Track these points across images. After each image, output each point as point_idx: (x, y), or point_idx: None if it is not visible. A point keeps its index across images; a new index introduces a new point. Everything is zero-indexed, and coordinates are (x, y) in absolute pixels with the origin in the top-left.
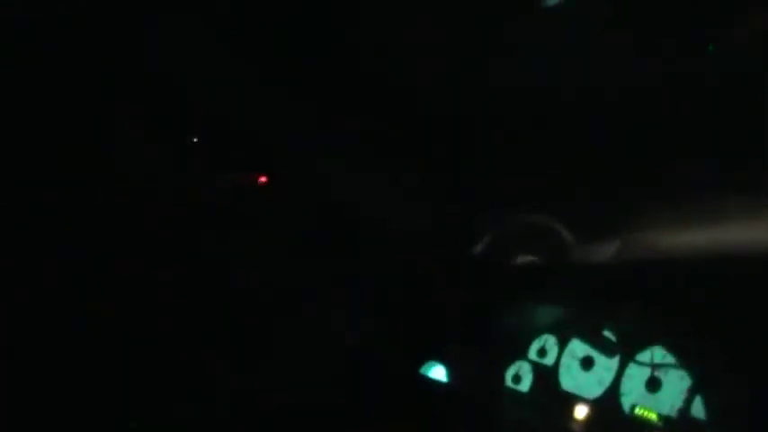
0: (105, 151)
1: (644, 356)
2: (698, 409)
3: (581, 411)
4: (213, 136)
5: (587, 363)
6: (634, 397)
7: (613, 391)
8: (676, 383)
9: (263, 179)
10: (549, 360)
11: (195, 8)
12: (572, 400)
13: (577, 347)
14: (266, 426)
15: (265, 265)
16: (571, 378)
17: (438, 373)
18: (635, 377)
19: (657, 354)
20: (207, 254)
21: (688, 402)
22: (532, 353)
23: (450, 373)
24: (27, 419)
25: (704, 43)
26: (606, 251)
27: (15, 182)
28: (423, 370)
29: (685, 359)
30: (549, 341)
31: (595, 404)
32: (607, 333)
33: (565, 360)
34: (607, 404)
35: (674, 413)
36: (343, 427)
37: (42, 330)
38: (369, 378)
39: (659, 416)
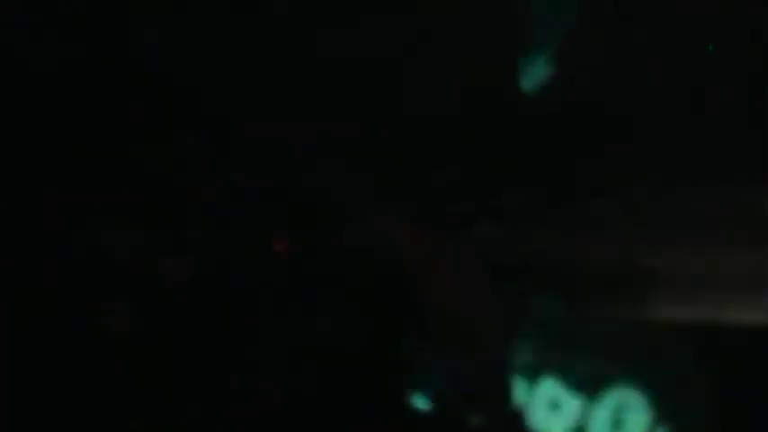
0: (105, 151)
1: (609, 398)
2: None
3: None
4: (213, 136)
5: (555, 404)
6: None
7: (579, 430)
8: (640, 422)
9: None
10: (518, 399)
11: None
12: None
13: (546, 388)
14: (265, 425)
15: (260, 265)
16: (539, 418)
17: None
18: (601, 418)
19: (622, 394)
20: (205, 254)
21: None
22: (492, 393)
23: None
24: (27, 419)
25: (704, 43)
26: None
27: (15, 182)
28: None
29: (649, 399)
30: (520, 380)
31: None
32: (575, 375)
33: (533, 400)
34: None
35: None
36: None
37: (42, 330)
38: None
39: None
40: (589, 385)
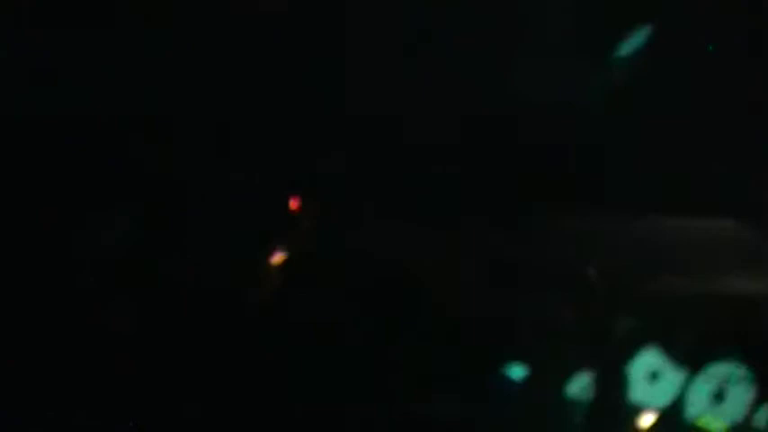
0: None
1: (712, 370)
2: (762, 419)
3: (645, 421)
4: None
5: (654, 375)
6: (699, 408)
7: (678, 401)
8: (742, 395)
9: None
10: (616, 370)
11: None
12: (637, 409)
13: (645, 359)
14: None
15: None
16: (637, 388)
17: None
18: (701, 389)
19: (725, 368)
20: (202, 254)
21: (752, 413)
22: (600, 362)
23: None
24: (27, 419)
25: (704, 43)
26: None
27: (16, 181)
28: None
29: (753, 373)
30: (618, 351)
31: (660, 414)
32: (676, 346)
33: (632, 371)
34: (671, 414)
35: (738, 423)
36: None
37: (41, 329)
38: None
39: (723, 426)
40: (692, 357)
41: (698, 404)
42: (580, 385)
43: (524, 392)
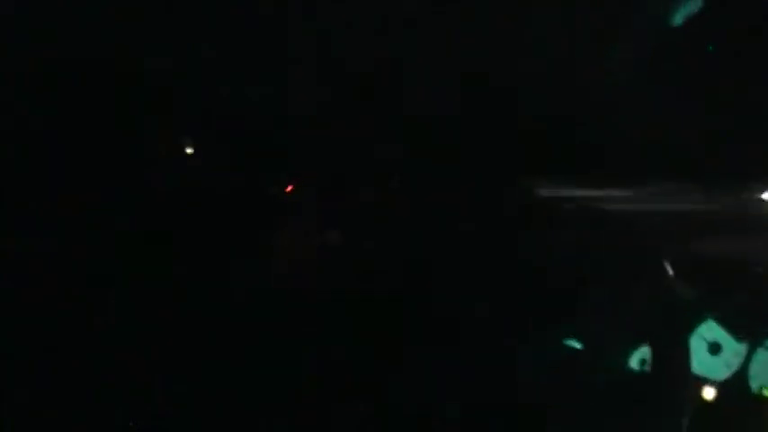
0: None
1: None
2: None
3: (708, 393)
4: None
5: (715, 347)
6: (762, 379)
7: (741, 374)
8: None
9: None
10: (677, 342)
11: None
12: (699, 382)
13: (706, 331)
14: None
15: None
16: (698, 361)
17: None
18: (764, 361)
19: None
20: (200, 253)
21: None
22: (660, 335)
23: (581, 350)
24: (26, 419)
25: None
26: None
27: (16, 180)
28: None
29: None
30: (678, 324)
31: (722, 386)
32: (738, 319)
33: (693, 343)
34: (734, 386)
35: None
36: None
37: (41, 329)
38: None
39: None
40: (753, 329)
41: (761, 376)
42: (641, 358)
43: (585, 365)
